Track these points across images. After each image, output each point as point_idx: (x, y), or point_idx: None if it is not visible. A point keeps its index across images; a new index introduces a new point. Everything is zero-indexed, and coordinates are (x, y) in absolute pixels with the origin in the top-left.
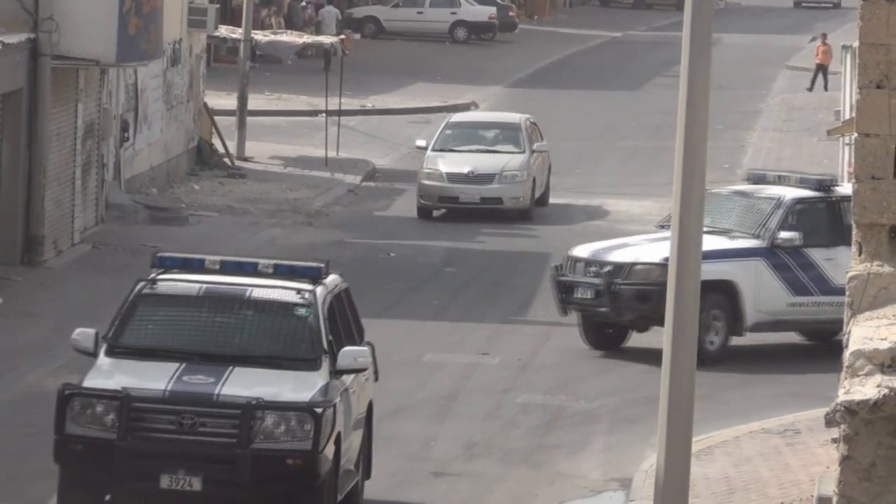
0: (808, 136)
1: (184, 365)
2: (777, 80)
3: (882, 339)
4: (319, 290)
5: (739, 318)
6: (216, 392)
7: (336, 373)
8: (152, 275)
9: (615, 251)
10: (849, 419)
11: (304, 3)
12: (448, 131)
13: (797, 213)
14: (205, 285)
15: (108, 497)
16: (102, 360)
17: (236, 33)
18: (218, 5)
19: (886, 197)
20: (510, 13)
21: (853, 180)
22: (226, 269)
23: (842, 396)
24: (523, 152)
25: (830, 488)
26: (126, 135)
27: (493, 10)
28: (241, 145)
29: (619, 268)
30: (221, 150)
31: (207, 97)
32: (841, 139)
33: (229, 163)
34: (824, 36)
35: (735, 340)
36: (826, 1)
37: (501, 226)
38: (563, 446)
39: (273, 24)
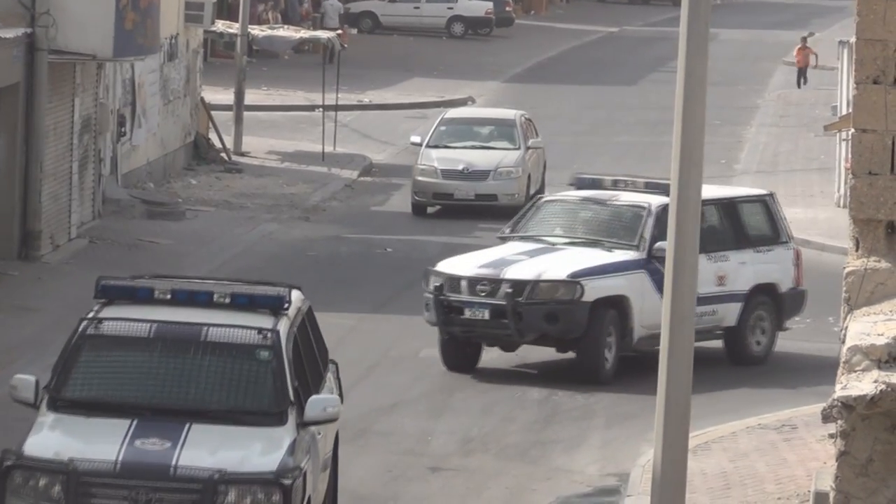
0: (805, 132)
1: (135, 422)
2: (774, 76)
3: (879, 335)
4: (283, 325)
5: (628, 335)
6: (173, 463)
7: (303, 425)
8: (96, 308)
9: (509, 267)
10: (846, 415)
11: None
12: (443, 127)
13: (664, 222)
14: (155, 324)
15: None
16: (45, 415)
17: (233, 28)
18: (215, 0)
19: (883, 192)
20: (507, 8)
21: (850, 176)
22: (178, 299)
23: (839, 392)
24: (518, 149)
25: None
26: (123, 129)
27: (489, 5)
28: (238, 140)
29: (520, 285)
30: (218, 144)
31: (204, 92)
32: (838, 135)
33: (226, 158)
34: (804, 39)
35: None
36: None
37: (496, 222)
38: (560, 441)
39: (270, 18)
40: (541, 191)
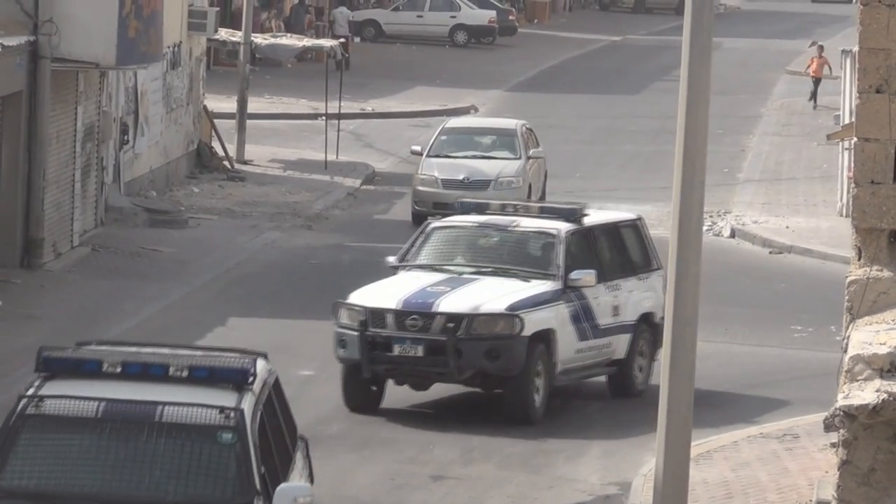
0: (808, 141)
1: None
2: (777, 85)
3: (881, 344)
4: (247, 402)
5: (551, 370)
6: None
7: None
8: (36, 383)
9: (440, 299)
10: (848, 424)
11: (308, 4)
12: (443, 137)
13: (573, 250)
14: (103, 402)
15: None
16: None
17: (236, 36)
18: (218, 8)
19: (886, 202)
20: (510, 17)
21: (853, 185)
22: (129, 373)
23: (841, 401)
24: (519, 158)
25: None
26: (126, 138)
27: (493, 13)
28: (241, 148)
29: (457, 319)
30: (221, 153)
31: (207, 100)
32: (840, 144)
33: (229, 166)
34: (820, 48)
35: (730, 349)
36: None
37: None
38: (562, 450)
39: (273, 27)
40: (542, 200)
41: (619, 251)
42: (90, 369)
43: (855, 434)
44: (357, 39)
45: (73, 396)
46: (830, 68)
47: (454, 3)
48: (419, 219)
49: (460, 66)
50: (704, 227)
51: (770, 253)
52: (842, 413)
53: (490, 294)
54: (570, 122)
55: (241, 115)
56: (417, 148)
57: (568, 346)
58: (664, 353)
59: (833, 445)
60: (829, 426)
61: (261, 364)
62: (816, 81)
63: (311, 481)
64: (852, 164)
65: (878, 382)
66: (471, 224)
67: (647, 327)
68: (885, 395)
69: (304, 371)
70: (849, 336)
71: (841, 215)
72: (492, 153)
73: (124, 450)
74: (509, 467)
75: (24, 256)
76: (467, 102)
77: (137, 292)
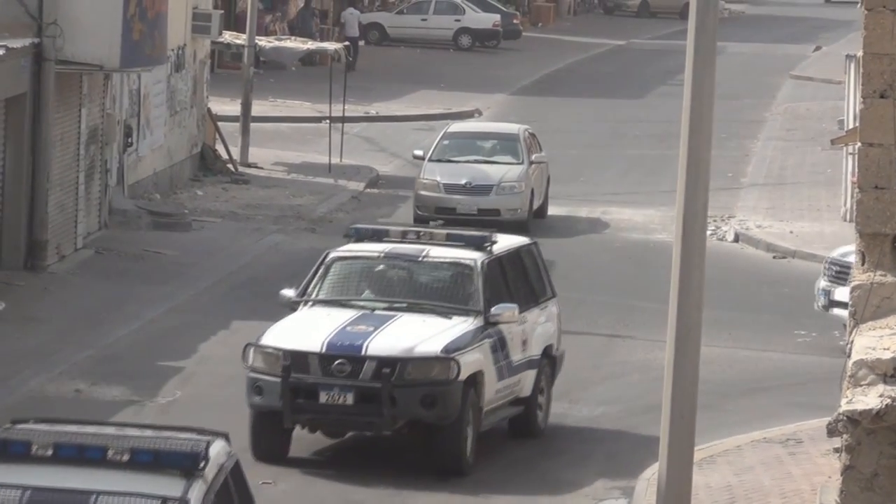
0: (812, 146)
1: None
2: (781, 90)
3: (885, 349)
4: (196, 492)
5: (478, 416)
6: None
7: None
8: None
9: (367, 341)
10: (851, 429)
11: (314, 8)
12: (445, 141)
13: (491, 281)
14: (29, 491)
15: None
16: None
17: (240, 39)
18: (222, 11)
19: (890, 207)
20: (514, 21)
21: (857, 190)
22: (62, 456)
23: (844, 406)
24: (521, 163)
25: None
26: (129, 140)
27: (497, 17)
28: (245, 151)
29: (389, 363)
30: (225, 155)
31: (211, 103)
32: (845, 149)
33: (233, 168)
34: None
35: (734, 354)
36: None
37: None
38: (566, 454)
39: (277, 30)
40: (544, 206)
41: (523, 280)
42: (17, 452)
43: (858, 439)
44: (362, 42)
45: None
46: None
47: (458, 7)
48: (421, 223)
49: (464, 69)
50: (708, 232)
51: (774, 258)
52: (845, 418)
53: (417, 335)
54: (574, 126)
55: (245, 117)
56: (419, 152)
57: (491, 388)
58: (667, 358)
59: (836, 450)
60: (832, 431)
61: (217, 446)
62: None
63: None
64: (856, 169)
65: (881, 387)
66: (376, 254)
67: (547, 361)
68: (888, 400)
69: None
70: (852, 341)
71: (845, 220)
72: (494, 158)
73: None
74: (512, 471)
75: (27, 259)
76: (471, 106)
77: (141, 295)
